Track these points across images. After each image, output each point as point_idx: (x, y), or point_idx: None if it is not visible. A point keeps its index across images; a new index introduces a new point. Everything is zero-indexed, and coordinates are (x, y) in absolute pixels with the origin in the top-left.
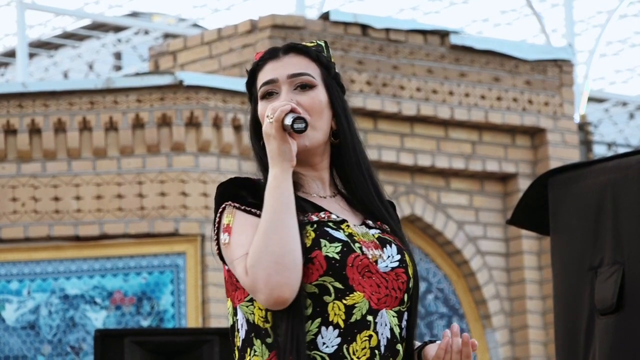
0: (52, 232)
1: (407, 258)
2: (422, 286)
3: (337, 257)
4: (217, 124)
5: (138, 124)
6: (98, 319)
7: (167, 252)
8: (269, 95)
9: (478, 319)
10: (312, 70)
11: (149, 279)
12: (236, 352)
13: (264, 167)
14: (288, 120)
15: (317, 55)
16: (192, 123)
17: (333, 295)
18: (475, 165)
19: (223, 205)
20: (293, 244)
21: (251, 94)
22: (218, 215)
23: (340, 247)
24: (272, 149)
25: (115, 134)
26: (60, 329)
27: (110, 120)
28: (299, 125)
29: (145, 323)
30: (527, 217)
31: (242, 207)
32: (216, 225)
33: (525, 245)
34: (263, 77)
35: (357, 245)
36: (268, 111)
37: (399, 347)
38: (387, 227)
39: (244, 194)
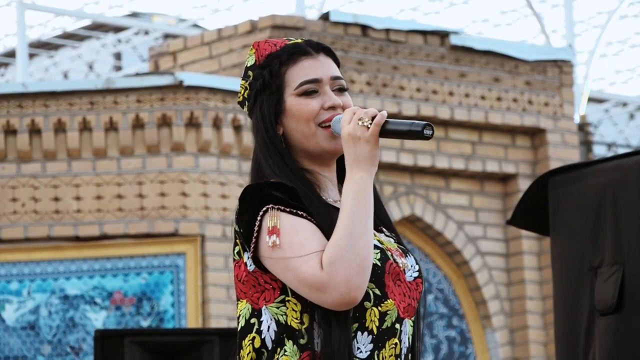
0: (52, 233)
1: (422, 269)
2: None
3: (378, 263)
4: (217, 124)
5: (138, 124)
6: (98, 319)
7: (167, 253)
8: (311, 93)
9: (478, 320)
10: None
11: (148, 279)
12: (250, 353)
13: (281, 157)
14: (415, 127)
15: (338, 60)
16: (192, 123)
17: (372, 301)
18: (475, 166)
19: (265, 208)
20: (372, 250)
21: (272, 82)
22: (259, 218)
23: (379, 253)
24: (361, 152)
25: (115, 134)
26: (60, 330)
27: (110, 121)
28: (428, 132)
29: (145, 323)
30: (527, 217)
31: (288, 210)
32: (256, 229)
33: (525, 246)
34: (302, 73)
35: (388, 252)
36: (355, 114)
37: (410, 357)
38: (394, 235)
39: (282, 196)
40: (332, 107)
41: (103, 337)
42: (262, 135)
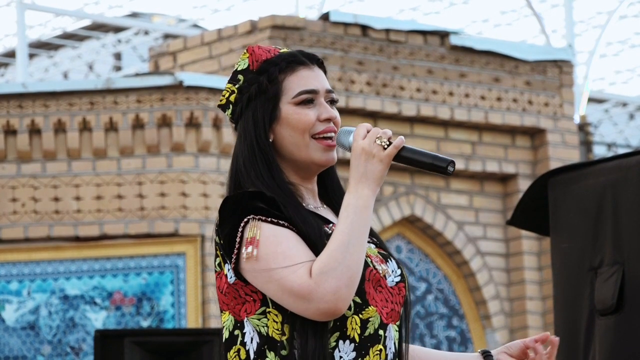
0: (52, 233)
1: (404, 272)
2: (422, 286)
3: None
4: (217, 124)
5: (138, 125)
6: (98, 319)
7: (167, 253)
8: (308, 102)
9: (478, 320)
10: None
11: (148, 280)
12: None
13: (267, 167)
14: (440, 162)
15: (327, 72)
16: (192, 123)
17: (352, 309)
18: (475, 166)
19: (246, 219)
20: (362, 266)
21: (269, 88)
22: (240, 230)
23: None
24: (371, 170)
25: (115, 134)
26: (60, 330)
27: (110, 121)
28: (451, 169)
29: (145, 323)
30: (527, 217)
31: (269, 220)
32: (238, 240)
33: (525, 246)
34: (300, 82)
35: (368, 259)
36: (370, 131)
37: None
38: (375, 239)
39: (263, 206)
40: (328, 120)
41: (103, 337)
42: (252, 141)
